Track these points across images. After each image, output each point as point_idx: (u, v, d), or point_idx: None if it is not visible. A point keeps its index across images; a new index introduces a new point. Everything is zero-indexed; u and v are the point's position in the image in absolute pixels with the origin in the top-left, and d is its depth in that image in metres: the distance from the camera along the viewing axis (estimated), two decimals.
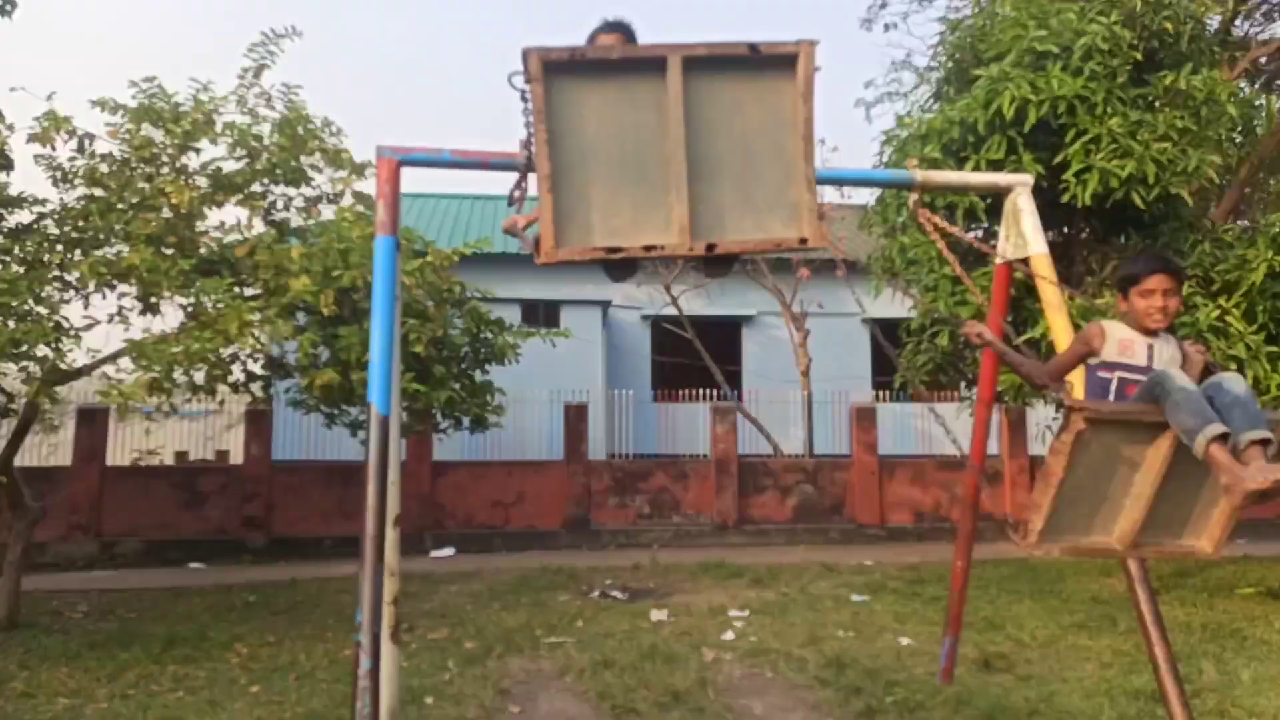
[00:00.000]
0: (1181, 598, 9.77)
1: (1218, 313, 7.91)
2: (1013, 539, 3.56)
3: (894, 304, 13.01)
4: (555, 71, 3.13)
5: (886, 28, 25.87)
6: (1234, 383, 3.17)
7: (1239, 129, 9.63)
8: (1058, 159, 8.40)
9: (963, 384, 11.05)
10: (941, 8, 24.56)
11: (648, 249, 3.15)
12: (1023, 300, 8.84)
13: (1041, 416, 10.93)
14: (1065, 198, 8.36)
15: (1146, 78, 8.58)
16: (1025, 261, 5.48)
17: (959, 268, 4.85)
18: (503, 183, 4.58)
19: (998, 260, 5.80)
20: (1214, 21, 12.79)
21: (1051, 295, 5.22)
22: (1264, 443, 3.04)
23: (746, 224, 3.19)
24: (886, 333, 16.94)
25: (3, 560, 9.31)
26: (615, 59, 3.28)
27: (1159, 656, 4.55)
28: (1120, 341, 3.47)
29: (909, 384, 10.52)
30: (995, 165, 8.44)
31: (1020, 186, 5.46)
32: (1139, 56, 8.45)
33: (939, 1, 21.83)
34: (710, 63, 3.21)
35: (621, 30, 4.17)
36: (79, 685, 6.90)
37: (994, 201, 8.77)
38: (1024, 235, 5.40)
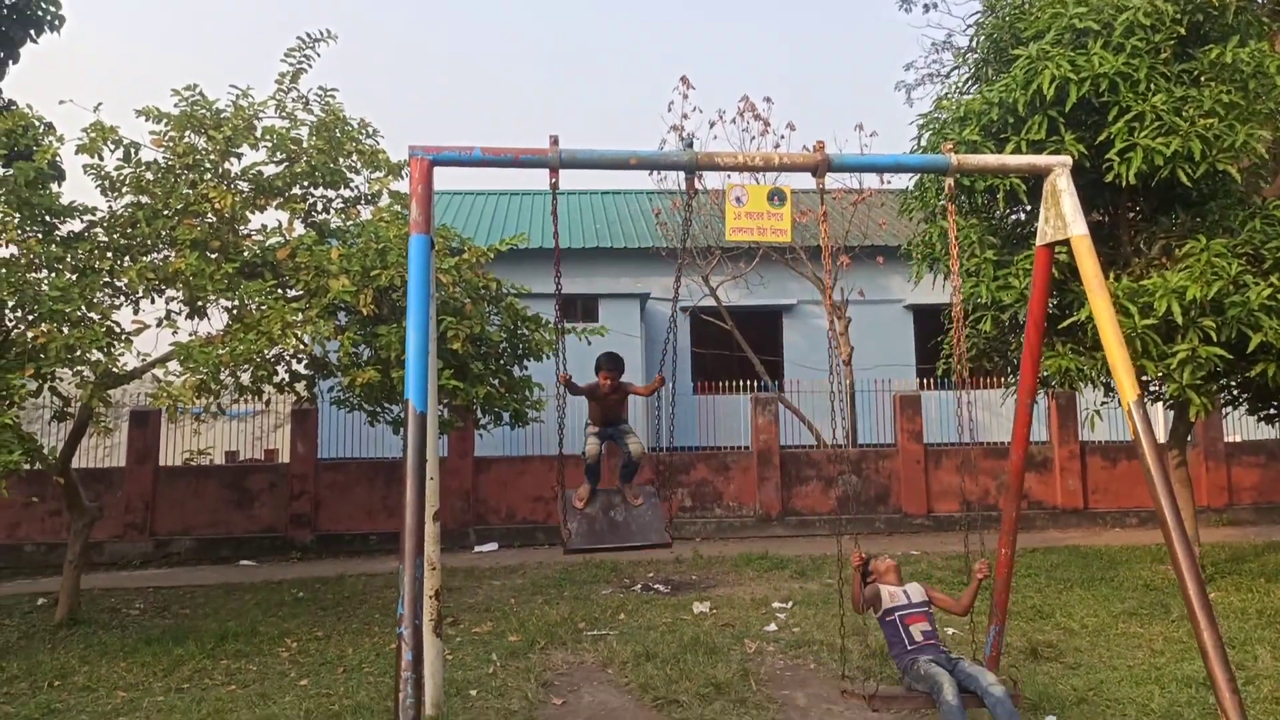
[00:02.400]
0: (1237, 583, 9.54)
1: (1269, 291, 7.68)
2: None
3: (936, 290, 12.83)
4: None
5: (926, 8, 25.55)
6: (997, 688, 4.83)
7: None
8: (1101, 138, 8.21)
9: (1008, 370, 10.87)
10: None
11: None
12: (1068, 282, 8.68)
13: (1090, 400, 10.71)
14: (1109, 177, 8.17)
15: (1191, 52, 8.34)
16: (1066, 243, 5.40)
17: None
18: (537, 179, 4.61)
19: (1038, 243, 5.71)
20: None
21: (1092, 277, 5.12)
22: None
23: None
24: (929, 319, 16.75)
25: (62, 559, 9.61)
26: None
27: (1207, 642, 4.46)
28: (891, 594, 5.49)
29: (951, 371, 10.36)
30: (1036, 146, 8.28)
31: (1059, 168, 5.37)
32: (1183, 31, 8.21)
33: None
34: None
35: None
36: (136, 679, 7.10)
37: (1035, 184, 8.62)
38: (1064, 217, 5.30)
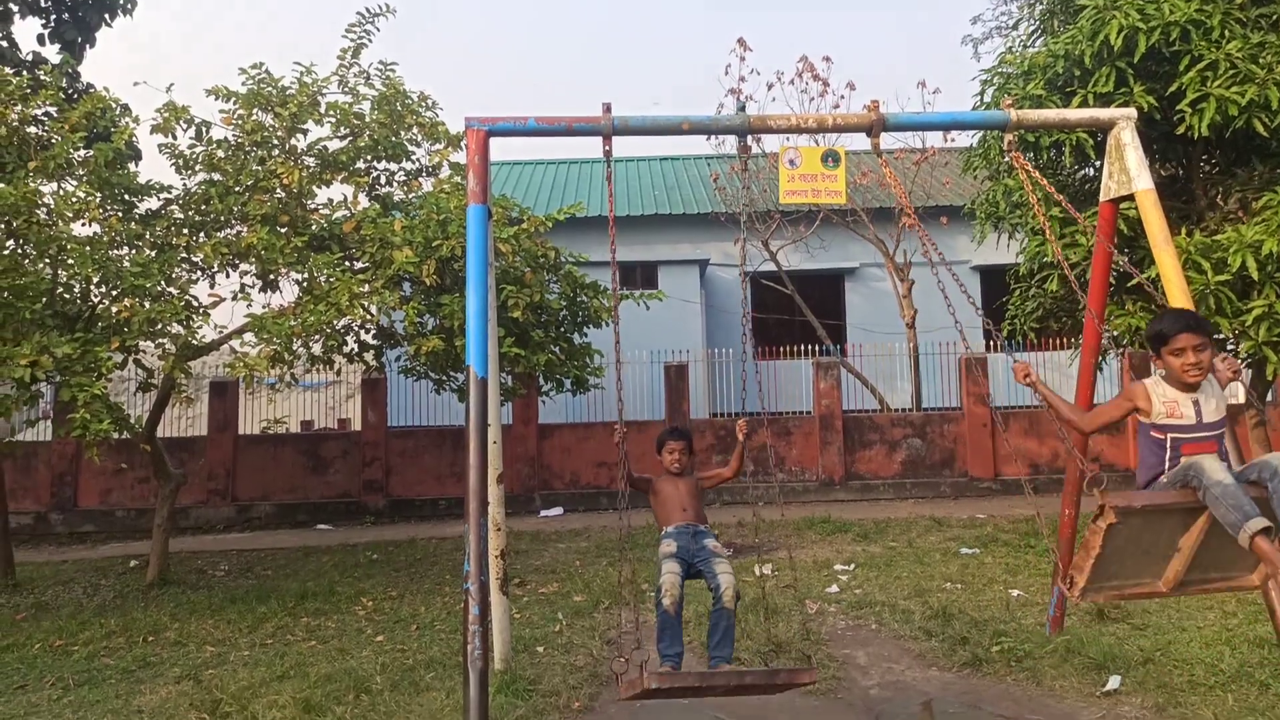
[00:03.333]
0: None
1: None
2: (1061, 588, 3.97)
3: (1002, 250, 12.58)
4: None
5: None
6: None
7: None
8: (1172, 89, 7.92)
9: (1076, 330, 10.65)
10: None
11: None
12: (1139, 239, 8.43)
13: None
14: (1181, 129, 7.90)
15: None
16: (1131, 198, 5.28)
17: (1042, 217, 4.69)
18: (593, 147, 4.70)
19: (1102, 198, 5.60)
20: None
21: (1158, 232, 5.03)
22: None
23: None
24: (996, 279, 16.42)
25: (151, 524, 10.12)
26: None
27: (1276, 601, 4.41)
28: (1166, 403, 3.59)
29: (1017, 332, 10.19)
30: (1104, 99, 8.03)
31: (1123, 120, 5.26)
32: None
33: None
34: None
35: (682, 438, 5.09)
36: (223, 635, 7.49)
37: (1103, 139, 8.37)
38: (1128, 171, 5.21)
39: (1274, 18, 7.87)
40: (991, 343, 16.40)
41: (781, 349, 16.50)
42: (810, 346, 16.34)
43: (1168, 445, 3.61)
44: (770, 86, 18.15)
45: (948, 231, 17.78)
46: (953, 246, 18.53)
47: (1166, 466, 3.60)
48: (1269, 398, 14.70)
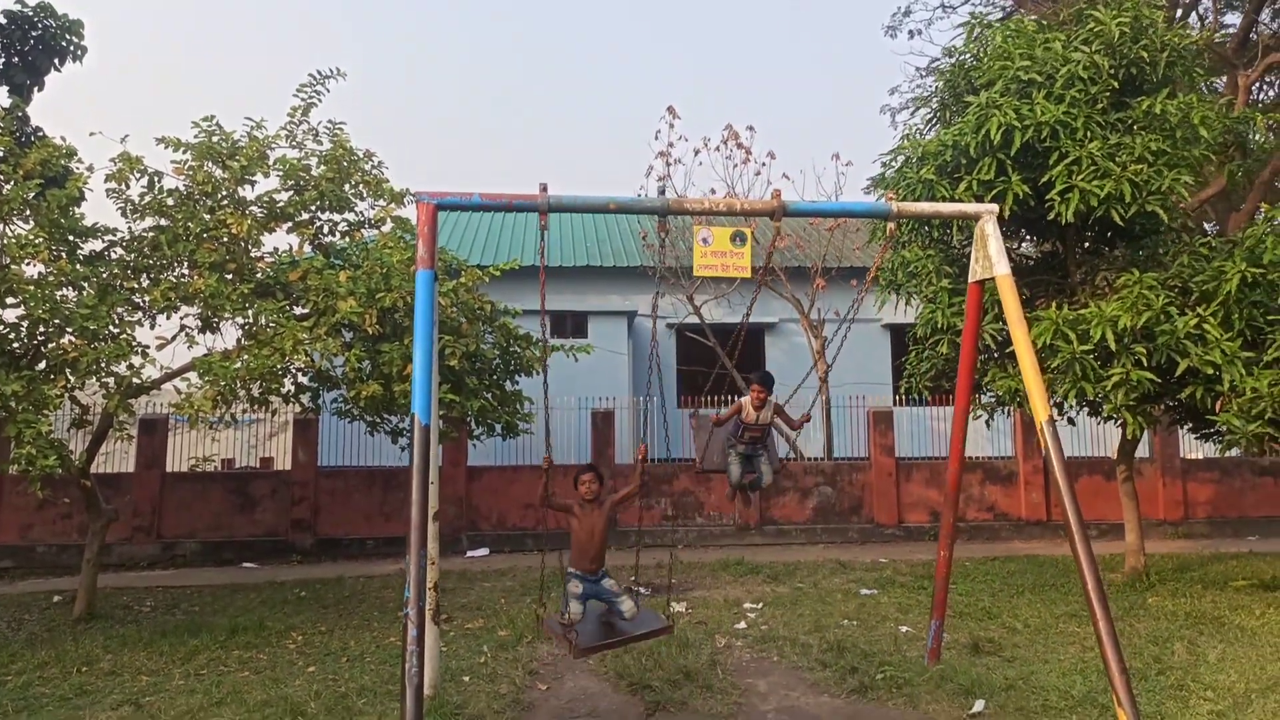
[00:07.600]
0: (1175, 589, 10.28)
1: (1195, 321, 8.44)
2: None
3: (910, 312, 13.59)
4: None
5: (911, 35, 26.57)
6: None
7: (1231, 148, 10.16)
8: (1044, 179, 8.98)
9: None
10: (965, 14, 24.97)
11: None
12: None
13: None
14: (1051, 215, 8.94)
15: (1127, 101, 9.13)
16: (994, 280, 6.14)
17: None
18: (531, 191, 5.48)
19: (970, 280, 6.46)
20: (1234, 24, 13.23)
21: (1013, 312, 5.87)
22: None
23: None
24: (904, 338, 17.51)
25: (72, 560, 10.22)
26: None
27: (1102, 630, 5.22)
28: (750, 414, 6.44)
29: (913, 389, 11.11)
30: (986, 185, 9.04)
31: (986, 214, 6.12)
32: (1117, 84, 9.00)
33: (963, 9, 22.24)
34: None
35: None
36: (157, 666, 7.76)
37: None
38: (990, 258, 6.07)
39: (1128, 122, 9.01)
40: (897, 397, 17.46)
41: (704, 399, 17.25)
42: (731, 397, 17.10)
43: (742, 427, 6.47)
44: (697, 152, 19.01)
45: (858, 291, 18.86)
46: (865, 305, 19.64)
47: (737, 436, 6.51)
48: (1149, 455, 15.98)
